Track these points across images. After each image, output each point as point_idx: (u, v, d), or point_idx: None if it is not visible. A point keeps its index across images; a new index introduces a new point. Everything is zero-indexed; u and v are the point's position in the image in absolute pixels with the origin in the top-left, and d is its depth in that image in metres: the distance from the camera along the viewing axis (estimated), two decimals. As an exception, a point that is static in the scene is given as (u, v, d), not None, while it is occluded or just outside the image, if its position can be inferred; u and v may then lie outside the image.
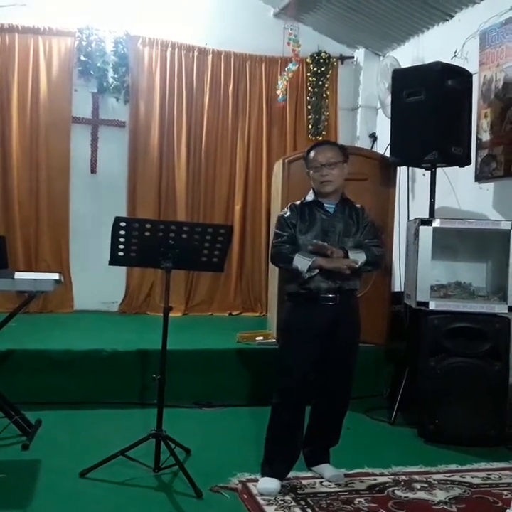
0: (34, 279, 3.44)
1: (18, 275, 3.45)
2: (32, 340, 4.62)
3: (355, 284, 3.22)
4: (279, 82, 6.25)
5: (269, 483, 3.08)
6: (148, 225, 3.15)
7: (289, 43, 6.14)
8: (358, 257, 3.12)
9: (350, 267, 3.08)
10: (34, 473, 3.16)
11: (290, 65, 6.27)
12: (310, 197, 3.23)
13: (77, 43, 6.22)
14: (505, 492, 3.16)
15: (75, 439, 3.68)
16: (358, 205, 3.30)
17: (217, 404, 4.42)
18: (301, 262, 3.06)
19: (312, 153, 3.20)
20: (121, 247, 3.19)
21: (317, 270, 3.06)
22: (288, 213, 3.20)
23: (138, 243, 3.17)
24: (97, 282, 6.19)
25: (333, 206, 3.20)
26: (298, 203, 3.25)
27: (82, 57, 6.22)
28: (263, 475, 3.15)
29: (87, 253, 6.22)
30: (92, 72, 6.26)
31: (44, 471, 3.20)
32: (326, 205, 3.19)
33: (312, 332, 3.12)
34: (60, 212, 6.27)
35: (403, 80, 4.54)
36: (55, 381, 4.28)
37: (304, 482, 3.19)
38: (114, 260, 3.25)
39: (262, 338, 4.86)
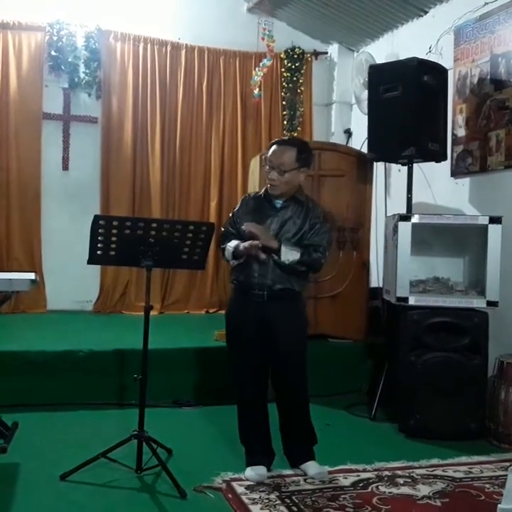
0: (9, 279, 3.36)
1: (-8, 275, 3.37)
2: (5, 342, 4.52)
3: (292, 284, 3.14)
4: (255, 78, 6.22)
5: (256, 470, 3.16)
6: (128, 223, 3.10)
7: (263, 39, 6.11)
8: (290, 255, 3.05)
9: (265, 247, 3.02)
10: (13, 477, 3.09)
11: (265, 61, 6.24)
12: (262, 190, 3.26)
13: (48, 37, 6.11)
14: (487, 485, 3.20)
15: (54, 442, 3.61)
16: (313, 206, 3.21)
17: (197, 403, 4.38)
18: (228, 250, 3.14)
19: (269, 150, 3.18)
20: (100, 245, 3.14)
21: (242, 259, 3.09)
22: (237, 206, 3.29)
23: (117, 241, 3.12)
24: (71, 281, 6.11)
25: (281, 203, 3.19)
26: (250, 194, 3.34)
27: (53, 53, 6.12)
28: (248, 465, 3.20)
29: (59, 251, 6.12)
30: (63, 68, 6.16)
31: (23, 474, 3.13)
32: (274, 200, 3.20)
33: (245, 326, 3.16)
34: (32, 210, 6.16)
35: (379, 76, 4.55)
36: (31, 383, 4.19)
37: (288, 480, 3.18)
38: (93, 259, 3.20)
39: (240, 335, 4.82)
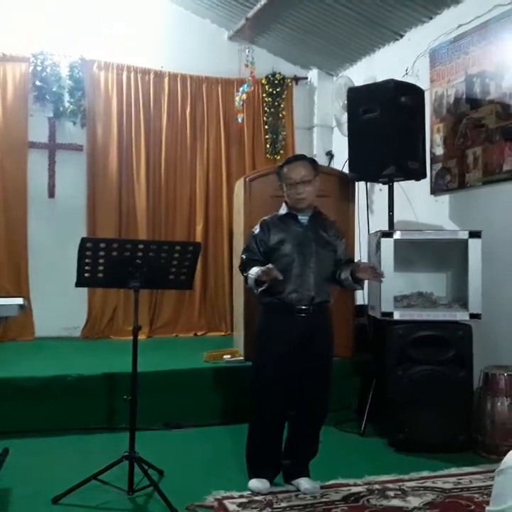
0: (-3, 305, 3.39)
1: (-20, 301, 3.39)
2: (-6, 369, 4.52)
3: (328, 295, 3.30)
4: (237, 103, 6.32)
5: (259, 483, 3.22)
6: (115, 245, 3.14)
7: (247, 65, 6.21)
8: (344, 273, 3.26)
9: None
10: (5, 502, 3.09)
11: (244, 86, 6.36)
12: (283, 210, 3.32)
13: (32, 68, 6.19)
14: (476, 495, 3.24)
15: (45, 467, 3.61)
16: (330, 219, 3.43)
17: (187, 424, 4.38)
18: (250, 278, 3.13)
19: (286, 170, 3.27)
20: (88, 268, 3.17)
21: (265, 286, 3.08)
22: (257, 230, 3.28)
23: (105, 263, 3.15)
24: (58, 308, 6.11)
25: (307, 218, 3.30)
26: (268, 217, 3.33)
27: (38, 83, 6.19)
28: (250, 478, 3.27)
29: (46, 279, 6.13)
30: (47, 97, 6.23)
31: (15, 499, 3.13)
32: (299, 217, 3.28)
33: (285, 344, 3.17)
34: (18, 237, 6.17)
35: (358, 98, 4.66)
36: (20, 409, 4.19)
37: (280, 496, 3.20)
38: (81, 282, 3.22)
39: (229, 356, 4.85)
